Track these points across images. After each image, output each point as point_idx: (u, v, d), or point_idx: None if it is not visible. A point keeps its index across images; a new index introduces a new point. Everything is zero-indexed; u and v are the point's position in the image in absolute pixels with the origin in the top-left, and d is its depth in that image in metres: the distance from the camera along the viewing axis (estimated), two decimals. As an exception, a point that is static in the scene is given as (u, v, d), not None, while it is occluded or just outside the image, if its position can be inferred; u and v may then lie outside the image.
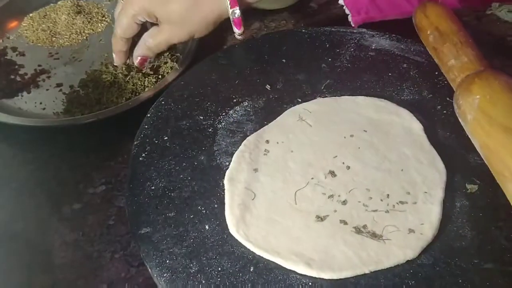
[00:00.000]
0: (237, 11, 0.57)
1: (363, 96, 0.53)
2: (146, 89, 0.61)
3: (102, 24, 0.73)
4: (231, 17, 0.58)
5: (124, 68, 0.63)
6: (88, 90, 0.62)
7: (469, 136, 0.45)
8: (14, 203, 0.52)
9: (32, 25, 0.72)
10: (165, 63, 0.64)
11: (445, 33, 0.50)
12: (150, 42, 0.61)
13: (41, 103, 0.62)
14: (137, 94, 0.61)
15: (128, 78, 0.62)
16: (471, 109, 0.43)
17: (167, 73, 0.63)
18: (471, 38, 0.49)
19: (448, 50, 0.49)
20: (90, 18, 0.73)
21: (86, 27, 0.72)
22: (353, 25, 0.62)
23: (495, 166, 0.41)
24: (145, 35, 0.61)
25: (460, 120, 0.46)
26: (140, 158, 0.49)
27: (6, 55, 0.68)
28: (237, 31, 0.59)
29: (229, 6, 0.57)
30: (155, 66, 0.64)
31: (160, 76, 0.63)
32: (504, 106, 0.41)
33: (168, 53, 0.65)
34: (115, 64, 0.64)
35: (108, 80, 0.62)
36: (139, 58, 0.62)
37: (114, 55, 0.64)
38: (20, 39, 0.71)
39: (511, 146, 0.40)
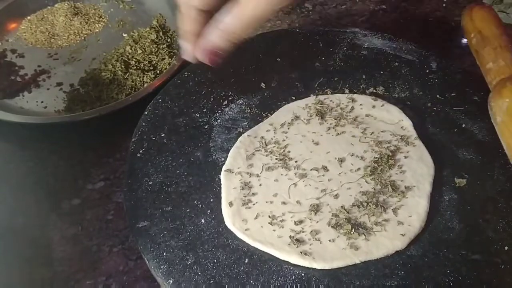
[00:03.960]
0: None
1: (355, 94, 0.54)
2: (145, 84, 0.63)
3: (99, 25, 0.74)
4: None
5: (123, 66, 0.64)
6: (88, 88, 0.64)
7: (500, 138, 0.46)
8: (14, 199, 0.54)
9: (30, 27, 0.74)
10: (163, 59, 0.66)
11: (486, 37, 0.51)
12: (227, 22, 0.42)
13: (42, 102, 0.64)
14: (137, 90, 0.62)
15: (127, 75, 0.64)
16: (500, 111, 0.45)
17: (165, 69, 0.64)
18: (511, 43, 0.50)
19: (487, 54, 0.50)
20: (88, 19, 0.74)
21: (84, 27, 0.73)
22: None
23: None
24: (217, 16, 0.43)
25: (492, 121, 0.47)
26: (138, 154, 0.51)
27: (5, 57, 0.70)
28: None
29: None
30: (153, 63, 0.65)
31: (158, 72, 0.65)
32: None
33: (166, 50, 0.66)
34: (183, 56, 0.48)
35: (108, 77, 0.64)
36: (207, 50, 0.44)
37: (181, 43, 0.46)
38: (19, 41, 0.72)
39: None
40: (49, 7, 0.77)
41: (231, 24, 0.41)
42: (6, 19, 0.74)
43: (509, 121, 0.44)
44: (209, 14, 0.43)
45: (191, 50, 0.45)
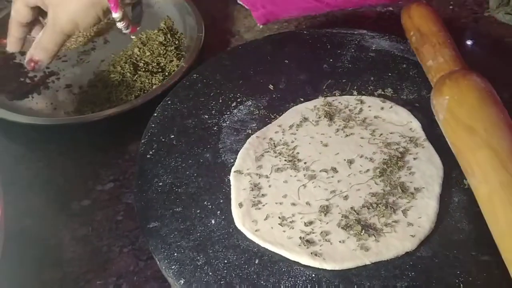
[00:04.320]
0: None
1: (364, 96, 0.55)
2: (154, 86, 0.63)
3: (107, 27, 0.74)
4: None
5: (132, 68, 0.64)
6: (97, 90, 0.64)
7: (444, 135, 0.46)
8: (25, 200, 0.54)
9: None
10: (171, 61, 0.66)
11: (425, 34, 0.51)
12: (38, 38, 0.59)
13: (51, 103, 0.64)
14: (145, 92, 0.63)
15: (135, 77, 0.64)
16: (442, 109, 0.45)
17: (173, 71, 0.65)
18: (450, 39, 0.50)
19: (426, 51, 0.50)
20: (95, 22, 0.75)
21: (92, 30, 0.73)
22: (258, 23, 0.61)
23: (461, 163, 0.44)
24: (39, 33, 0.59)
25: (436, 119, 0.47)
26: (148, 156, 0.51)
27: (14, 59, 0.70)
28: (114, 15, 0.57)
29: None
30: (161, 65, 0.66)
31: (166, 74, 0.65)
32: (469, 106, 0.43)
33: (174, 52, 0.67)
34: (7, 49, 0.62)
35: (116, 79, 0.64)
36: (29, 59, 0.59)
37: (7, 40, 0.61)
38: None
39: (472, 144, 0.42)
40: None
41: (42, 37, 0.58)
42: None
43: (451, 118, 0.44)
44: (27, 26, 0.60)
45: (11, 47, 0.62)
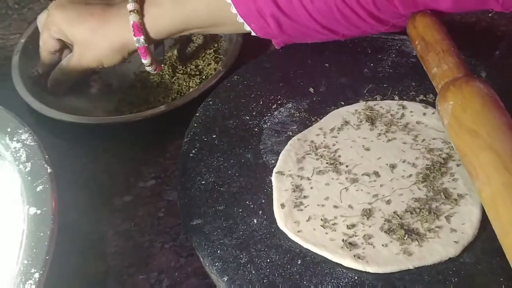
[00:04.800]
0: (142, 40, 0.57)
1: (405, 101, 0.55)
2: (191, 89, 0.64)
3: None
4: (136, 45, 0.57)
5: (170, 70, 0.66)
6: (136, 90, 0.65)
7: (450, 140, 0.47)
8: (69, 195, 0.55)
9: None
10: (209, 64, 0.67)
11: (429, 43, 0.52)
12: (62, 63, 0.62)
13: (91, 102, 0.65)
14: (182, 94, 0.64)
15: (174, 79, 0.65)
16: (446, 114, 0.46)
17: (211, 74, 0.66)
18: (454, 47, 0.51)
19: (431, 59, 0.51)
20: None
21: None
22: (277, 47, 0.63)
23: (466, 166, 0.44)
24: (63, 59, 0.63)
25: (442, 125, 0.48)
26: (191, 154, 0.52)
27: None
28: (144, 61, 0.59)
29: (133, 33, 0.56)
30: (199, 67, 0.67)
31: (204, 77, 0.66)
32: (472, 111, 0.44)
33: (212, 55, 0.68)
34: (38, 70, 0.65)
35: (155, 81, 0.65)
36: (53, 80, 0.63)
37: (39, 64, 0.65)
38: None
39: (475, 147, 0.42)
40: None
41: (64, 64, 0.61)
42: None
43: (455, 123, 0.45)
44: (55, 54, 0.63)
45: (41, 69, 0.65)
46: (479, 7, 0.54)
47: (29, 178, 0.43)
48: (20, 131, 0.47)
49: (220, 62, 0.67)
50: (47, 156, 0.45)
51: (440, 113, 0.47)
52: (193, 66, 0.67)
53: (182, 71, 0.66)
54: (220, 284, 0.42)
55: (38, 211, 0.41)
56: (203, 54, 0.68)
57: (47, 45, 0.62)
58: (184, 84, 0.65)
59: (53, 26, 0.59)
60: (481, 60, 0.58)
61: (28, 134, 0.46)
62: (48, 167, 0.44)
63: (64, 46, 0.63)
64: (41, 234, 0.40)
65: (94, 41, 0.58)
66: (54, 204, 0.41)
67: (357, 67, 0.59)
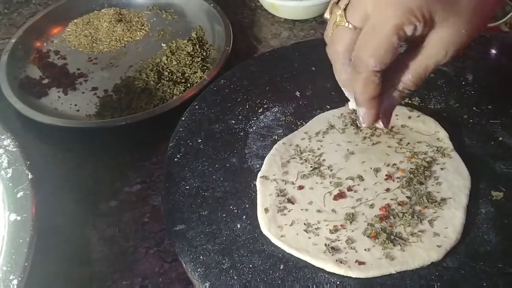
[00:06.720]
0: None
1: (390, 104, 0.54)
2: (174, 97, 0.63)
3: (141, 33, 0.75)
4: None
5: (156, 76, 0.65)
6: (120, 95, 0.65)
7: None
8: (54, 200, 0.55)
9: (75, 30, 0.76)
10: (195, 73, 0.67)
11: None
12: (408, 82, 0.40)
13: (76, 105, 0.65)
14: (165, 101, 0.63)
15: (158, 86, 0.65)
16: None
17: (196, 82, 0.65)
18: None
19: None
20: (130, 27, 0.76)
21: (125, 34, 0.75)
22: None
23: None
24: (388, 74, 0.40)
25: None
26: (175, 159, 0.52)
27: (48, 57, 0.72)
28: None
29: None
30: (186, 75, 0.66)
31: (189, 86, 0.65)
32: None
33: (199, 64, 0.67)
34: (363, 126, 0.44)
35: (140, 86, 0.65)
36: (388, 112, 0.43)
37: (359, 111, 0.42)
38: (63, 43, 0.75)
39: None
40: (95, 11, 0.79)
41: (411, 83, 0.40)
42: (54, 20, 0.77)
43: None
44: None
45: (370, 118, 0.42)
46: None
47: (10, 184, 0.43)
48: (3, 137, 0.47)
49: (207, 70, 0.67)
50: (28, 162, 0.45)
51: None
52: (180, 74, 0.67)
53: (167, 78, 0.66)
54: (202, 290, 0.42)
55: (18, 217, 0.41)
56: (191, 62, 0.68)
57: (389, 53, 0.38)
58: (168, 91, 0.64)
59: (409, 10, 0.36)
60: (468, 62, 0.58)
61: (10, 140, 0.46)
62: (29, 173, 0.44)
63: None
64: (21, 240, 0.40)
65: (481, 5, 0.38)
66: (34, 210, 0.41)
67: (343, 71, 0.59)
